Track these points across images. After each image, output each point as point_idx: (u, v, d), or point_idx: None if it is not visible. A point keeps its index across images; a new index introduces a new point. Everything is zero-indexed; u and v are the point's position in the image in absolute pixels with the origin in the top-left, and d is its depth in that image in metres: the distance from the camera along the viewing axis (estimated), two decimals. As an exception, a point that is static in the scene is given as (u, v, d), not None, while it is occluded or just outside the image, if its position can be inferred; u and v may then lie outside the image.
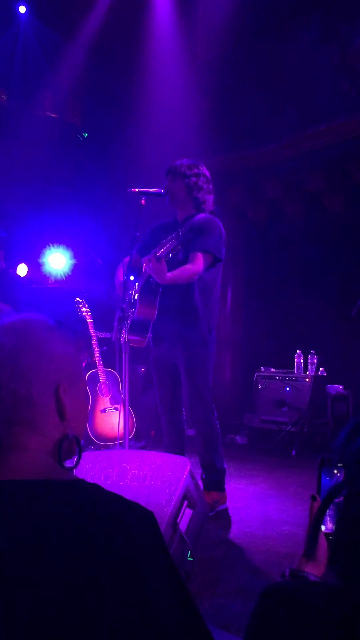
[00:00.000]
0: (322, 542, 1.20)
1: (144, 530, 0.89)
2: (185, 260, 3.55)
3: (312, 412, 5.72)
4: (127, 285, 3.54)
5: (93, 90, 7.06)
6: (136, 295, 3.57)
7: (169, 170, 3.71)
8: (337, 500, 1.02)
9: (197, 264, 3.50)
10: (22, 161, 6.86)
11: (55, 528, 0.85)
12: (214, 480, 3.66)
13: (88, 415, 1.11)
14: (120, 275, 3.77)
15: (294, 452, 5.41)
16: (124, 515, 0.89)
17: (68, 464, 1.02)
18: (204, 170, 3.73)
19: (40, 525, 0.85)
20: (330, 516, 1.16)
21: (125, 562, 0.84)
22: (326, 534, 1.20)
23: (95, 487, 0.93)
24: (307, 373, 6.00)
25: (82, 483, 0.94)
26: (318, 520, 1.15)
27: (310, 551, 1.19)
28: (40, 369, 0.98)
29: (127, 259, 3.55)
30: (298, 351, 6.22)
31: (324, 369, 6.01)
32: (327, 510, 1.12)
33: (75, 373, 1.04)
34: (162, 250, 3.40)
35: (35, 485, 0.91)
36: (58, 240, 7.45)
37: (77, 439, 1.03)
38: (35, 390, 0.97)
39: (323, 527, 1.19)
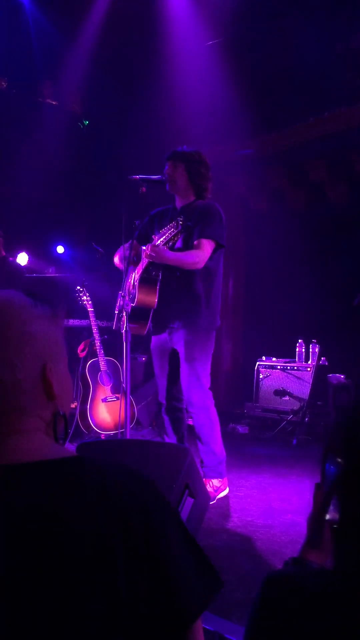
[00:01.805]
0: (326, 531, 1.19)
1: (150, 495, 0.92)
2: (183, 248, 3.54)
3: (313, 401, 5.71)
4: (126, 275, 3.53)
5: (98, 77, 6.98)
6: (136, 283, 3.56)
7: (170, 155, 3.69)
8: (341, 489, 1.01)
9: (204, 250, 3.49)
10: (22, 148, 6.81)
11: (63, 504, 0.86)
12: (215, 469, 3.66)
13: (73, 389, 1.10)
14: (118, 261, 3.77)
15: (295, 442, 5.40)
16: (129, 483, 0.92)
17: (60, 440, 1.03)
18: (204, 157, 3.71)
19: (48, 503, 0.86)
20: (333, 504, 1.15)
21: (136, 527, 0.87)
22: (330, 522, 1.19)
23: (96, 461, 0.94)
24: (309, 362, 5.99)
25: (83, 459, 0.95)
26: (323, 508, 1.14)
27: (313, 539, 1.18)
28: (23, 352, 0.96)
29: (127, 244, 3.53)
30: (300, 340, 6.21)
31: (326, 359, 6.00)
32: (332, 499, 1.11)
33: (58, 350, 1.03)
34: (162, 239, 3.38)
35: (40, 466, 0.91)
36: (58, 229, 7.43)
37: (65, 416, 1.03)
38: (21, 375, 0.96)
39: (327, 516, 1.18)
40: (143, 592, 0.84)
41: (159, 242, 3.39)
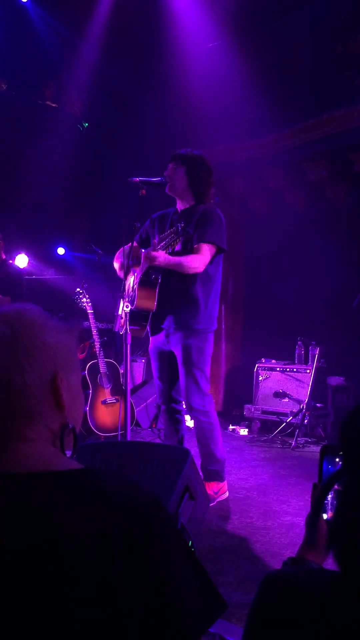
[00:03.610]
0: (323, 530, 1.19)
1: (155, 514, 0.91)
2: (182, 252, 3.54)
3: (312, 403, 5.71)
4: (126, 277, 3.54)
5: (98, 80, 6.99)
6: (135, 286, 3.56)
7: (174, 157, 3.69)
8: (337, 487, 1.01)
9: (204, 254, 3.50)
10: (23, 151, 6.82)
11: (66, 517, 0.85)
12: (215, 471, 3.66)
13: (84, 405, 1.10)
14: (117, 262, 3.77)
15: (294, 443, 5.41)
16: (135, 501, 0.91)
17: (67, 453, 1.02)
18: (207, 161, 3.70)
19: (51, 515, 0.85)
20: (332, 504, 1.15)
21: (140, 547, 0.86)
22: (328, 522, 1.19)
23: (103, 475, 0.94)
24: (309, 364, 6.00)
25: (89, 472, 0.95)
26: (317, 506, 1.15)
27: (311, 539, 1.18)
28: (35, 359, 0.97)
29: (127, 246, 3.54)
30: (299, 342, 6.21)
31: (325, 361, 6.00)
32: (329, 498, 1.12)
33: (71, 362, 1.04)
34: (162, 244, 3.39)
35: (44, 476, 0.91)
36: (59, 230, 7.43)
37: (74, 429, 1.03)
38: (31, 380, 0.96)
39: (325, 515, 1.19)
40: (143, 612, 0.83)
41: (159, 247, 3.39)
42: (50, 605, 0.81)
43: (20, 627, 0.80)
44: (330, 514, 1.18)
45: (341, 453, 1.14)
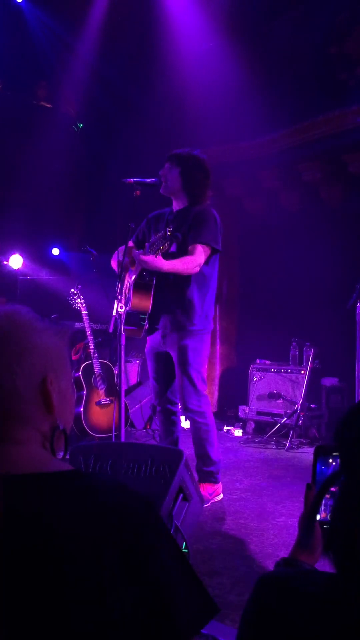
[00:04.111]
0: (317, 531, 1.19)
1: (147, 516, 0.91)
2: (178, 253, 3.54)
3: (307, 404, 5.72)
4: (121, 277, 3.53)
5: (93, 80, 6.98)
6: (130, 288, 3.56)
7: (170, 157, 3.69)
8: (332, 489, 1.01)
9: (198, 255, 3.49)
10: (17, 151, 6.81)
11: (58, 519, 0.85)
12: (209, 472, 3.66)
13: (74, 407, 1.10)
14: (114, 263, 3.76)
15: (288, 444, 5.41)
16: (126, 503, 0.90)
17: (59, 455, 1.02)
18: (204, 163, 3.69)
19: (43, 517, 0.85)
20: (324, 505, 1.15)
21: (131, 549, 0.85)
22: (320, 523, 1.19)
23: (94, 477, 0.94)
24: (303, 365, 6.00)
25: (80, 473, 0.94)
26: (314, 509, 1.14)
27: (304, 540, 1.18)
28: (24, 361, 0.96)
29: (122, 247, 3.53)
30: (293, 343, 6.22)
31: (319, 362, 6.01)
32: (322, 499, 1.11)
33: (61, 364, 1.03)
34: (152, 249, 3.38)
35: (34, 478, 0.90)
36: (54, 231, 7.42)
37: (65, 431, 1.02)
38: (20, 383, 0.96)
39: (318, 516, 1.18)
40: (132, 613, 0.83)
41: (149, 251, 3.38)
42: (46, 604, 0.80)
43: (15, 627, 0.79)
44: (323, 514, 1.18)
45: (337, 454, 1.14)
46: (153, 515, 0.92)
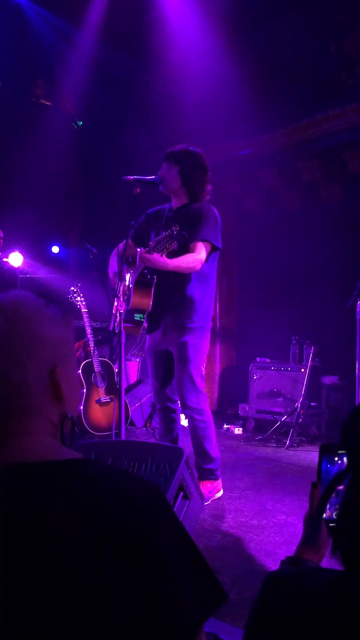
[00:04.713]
0: (322, 529, 1.19)
1: (153, 503, 0.90)
2: (179, 251, 3.53)
3: (307, 402, 5.73)
4: (121, 275, 3.52)
5: (93, 77, 6.96)
6: (131, 285, 3.55)
7: (167, 156, 3.68)
8: (338, 487, 1.01)
9: (200, 253, 3.49)
10: (17, 149, 6.80)
11: (65, 506, 0.85)
12: (209, 470, 3.66)
13: (81, 395, 1.10)
14: (114, 263, 3.75)
15: (288, 442, 5.41)
16: (133, 490, 0.90)
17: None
18: (202, 160, 3.68)
19: (51, 504, 0.85)
20: (328, 503, 1.15)
21: (135, 534, 0.84)
22: (325, 521, 1.19)
23: (102, 465, 0.93)
24: (303, 363, 6.01)
25: (90, 462, 0.94)
26: (321, 507, 1.14)
27: (310, 538, 1.18)
28: (34, 353, 0.95)
29: (121, 245, 3.52)
30: (293, 341, 6.22)
31: (319, 360, 6.01)
32: (330, 498, 1.12)
33: (68, 353, 1.02)
34: (158, 247, 3.37)
35: (43, 466, 0.90)
36: (53, 229, 7.41)
37: (73, 420, 1.02)
38: (30, 375, 0.95)
39: (323, 515, 1.18)
40: (135, 601, 0.81)
41: (153, 250, 3.37)
42: (48, 594, 0.80)
43: (19, 618, 0.79)
44: (328, 513, 1.18)
45: (342, 452, 1.14)
46: (157, 501, 0.91)
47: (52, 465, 0.90)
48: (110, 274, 3.83)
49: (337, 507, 1.13)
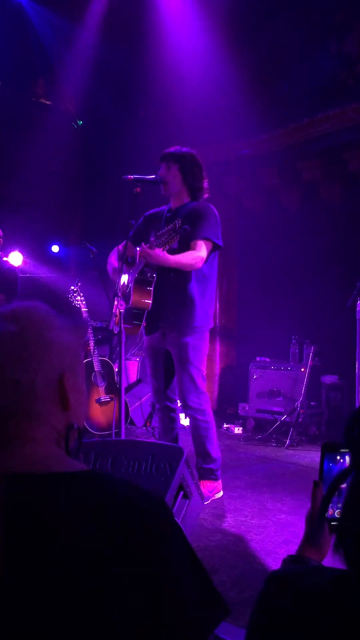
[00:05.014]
0: (324, 528, 1.19)
1: (156, 514, 0.90)
2: (180, 249, 3.53)
3: (306, 402, 5.73)
4: (121, 274, 3.52)
5: (93, 77, 6.96)
6: (130, 284, 3.55)
7: (164, 157, 3.68)
8: (341, 485, 1.01)
9: (201, 251, 3.49)
10: (17, 148, 6.79)
11: (66, 507, 0.85)
12: (209, 469, 3.66)
13: (87, 404, 1.11)
14: (113, 260, 3.75)
15: (288, 442, 5.41)
16: (138, 503, 0.90)
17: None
18: (197, 158, 3.70)
19: (52, 505, 0.85)
20: (331, 502, 1.15)
21: (139, 547, 0.84)
22: (327, 520, 1.19)
23: (108, 477, 0.93)
24: (303, 363, 6.01)
25: (94, 473, 0.94)
26: (324, 506, 1.14)
27: (312, 537, 1.18)
28: (43, 359, 0.96)
29: (121, 245, 3.52)
30: (293, 341, 6.22)
31: (319, 359, 6.01)
32: (333, 496, 1.11)
33: (77, 362, 1.03)
34: (159, 241, 3.37)
35: (47, 478, 0.90)
36: (53, 228, 7.40)
37: (80, 429, 1.02)
38: (39, 381, 0.95)
39: (325, 513, 1.18)
40: (135, 602, 0.81)
41: (155, 244, 3.37)
42: (48, 594, 0.80)
43: (17, 626, 0.79)
44: (330, 511, 1.18)
45: (344, 451, 1.14)
46: (165, 517, 0.91)
47: (57, 476, 0.90)
48: (110, 271, 3.83)
49: (339, 505, 1.13)
